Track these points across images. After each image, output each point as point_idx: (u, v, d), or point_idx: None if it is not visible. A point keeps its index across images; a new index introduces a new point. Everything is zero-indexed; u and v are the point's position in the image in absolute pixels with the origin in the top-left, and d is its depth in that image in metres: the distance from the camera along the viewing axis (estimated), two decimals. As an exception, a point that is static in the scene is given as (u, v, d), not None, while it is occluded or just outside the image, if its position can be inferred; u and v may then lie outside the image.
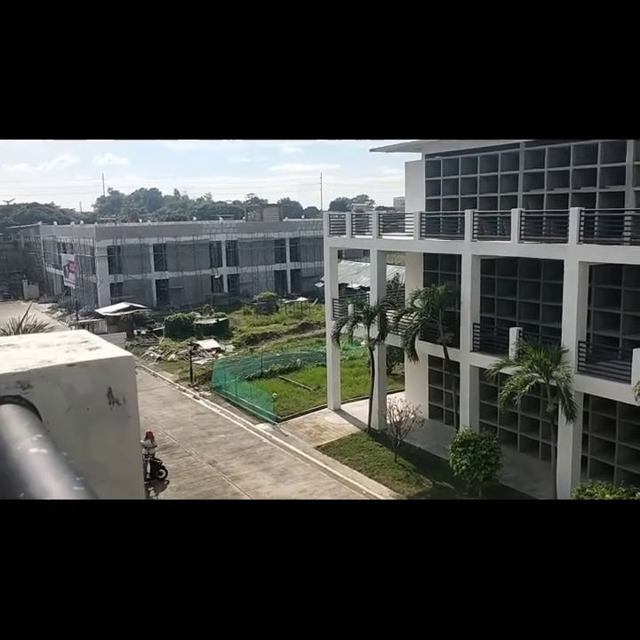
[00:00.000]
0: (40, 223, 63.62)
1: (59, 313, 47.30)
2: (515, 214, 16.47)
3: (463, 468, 15.60)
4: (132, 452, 1.25)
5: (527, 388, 14.72)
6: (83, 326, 35.87)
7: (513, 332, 16.81)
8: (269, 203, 70.61)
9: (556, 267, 16.10)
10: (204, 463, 19.58)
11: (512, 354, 16.32)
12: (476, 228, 17.83)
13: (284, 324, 38.19)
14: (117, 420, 1.23)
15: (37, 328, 14.33)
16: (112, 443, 1.22)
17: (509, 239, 16.66)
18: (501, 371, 16.11)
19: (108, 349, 1.31)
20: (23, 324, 13.77)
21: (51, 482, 0.76)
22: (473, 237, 17.76)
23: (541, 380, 14.92)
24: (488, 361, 16.93)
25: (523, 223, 16.47)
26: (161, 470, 18.55)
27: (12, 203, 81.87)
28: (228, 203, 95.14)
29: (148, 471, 18.20)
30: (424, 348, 19.65)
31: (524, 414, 18.51)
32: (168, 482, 18.36)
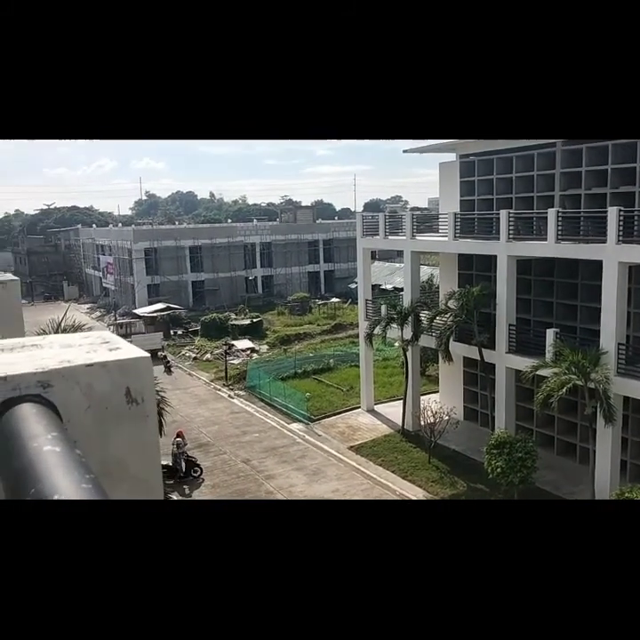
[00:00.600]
0: (79, 226, 65.10)
1: (97, 313, 48.31)
2: (551, 214, 16.17)
3: (498, 470, 15.38)
4: (150, 450, 1.27)
5: (564, 390, 14.43)
6: (120, 327, 36.56)
7: (550, 334, 16.50)
8: (303, 204, 70.87)
9: (595, 267, 15.74)
10: (239, 461, 19.75)
11: (549, 355, 16.02)
12: (511, 228, 17.57)
13: (318, 325, 38.25)
14: (135, 420, 1.25)
15: (76, 328, 14.68)
16: (130, 441, 1.24)
17: (546, 239, 16.36)
18: (538, 373, 15.83)
19: (127, 350, 1.34)
20: (62, 325, 14.12)
21: (60, 479, 0.78)
22: (508, 238, 17.49)
23: (579, 383, 14.60)
24: (524, 363, 16.66)
25: (560, 223, 16.15)
26: (196, 468, 18.71)
27: (52, 206, 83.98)
28: (263, 205, 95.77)
29: (183, 469, 18.42)
30: (459, 349, 19.44)
31: (561, 417, 18.15)
32: (203, 480, 18.56)
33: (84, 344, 1.36)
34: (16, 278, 3.19)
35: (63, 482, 0.77)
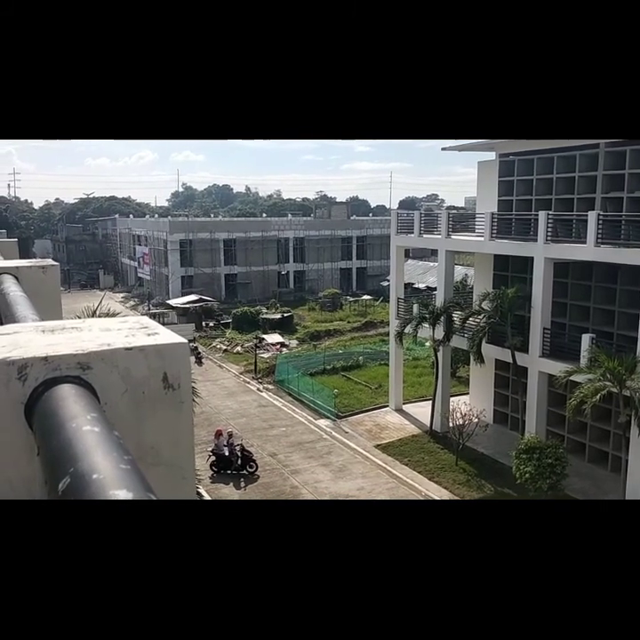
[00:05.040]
0: (117, 216, 66.17)
1: (131, 302, 49.09)
2: (592, 217, 15.82)
3: (527, 475, 15.15)
4: (185, 436, 1.27)
5: (598, 397, 14.13)
6: (153, 317, 37.09)
7: (585, 339, 16.17)
8: (338, 200, 70.77)
9: (635, 272, 15.35)
10: (265, 455, 19.86)
11: (583, 361, 15.70)
12: (550, 230, 17.24)
13: (348, 322, 38.19)
14: (171, 405, 1.25)
15: (111, 317, 14.90)
16: (165, 427, 1.25)
17: (585, 243, 16.02)
18: (571, 378, 15.54)
19: (165, 335, 1.34)
20: (97, 312, 14.37)
21: (99, 458, 0.78)
22: (546, 240, 17.18)
23: (614, 390, 14.28)
24: (558, 367, 16.35)
25: (600, 226, 15.79)
26: (252, 463, 18.26)
27: (91, 196, 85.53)
28: (298, 200, 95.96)
29: (239, 463, 18.09)
30: (491, 351, 19.19)
31: (593, 424, 17.79)
32: (258, 476, 18.16)
33: (122, 328, 1.37)
34: (56, 263, 3.24)
35: (102, 462, 0.77)
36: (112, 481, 0.72)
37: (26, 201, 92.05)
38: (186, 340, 1.28)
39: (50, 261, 3.29)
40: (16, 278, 3.00)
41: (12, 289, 2.50)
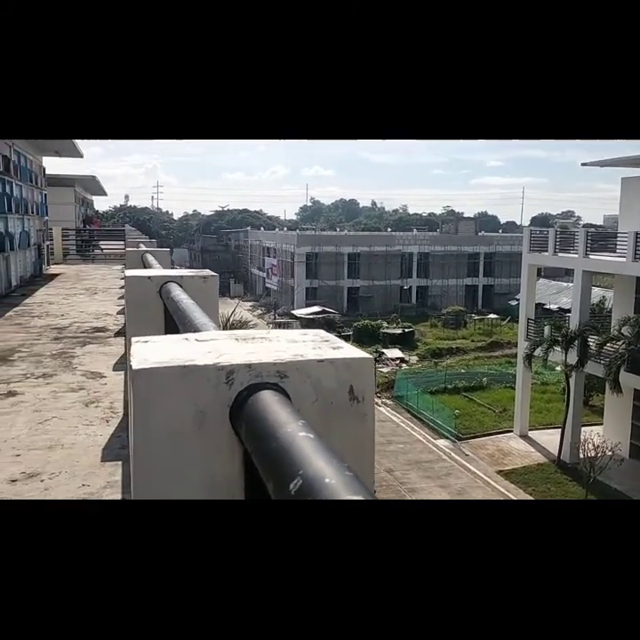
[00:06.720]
0: (249, 228, 69.25)
1: (258, 311, 51.02)
2: None
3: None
4: (367, 448, 1.31)
5: None
6: (278, 326, 38.31)
7: None
8: (465, 216, 69.30)
9: None
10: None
11: None
12: None
13: (472, 341, 37.16)
14: (356, 417, 1.30)
15: (242, 324, 15.63)
16: (349, 438, 1.29)
17: None
18: None
19: (348, 349, 1.39)
20: (231, 319, 15.11)
21: (325, 464, 0.83)
22: (700, 262, 15.75)
23: None
24: None
25: None
26: None
27: (226, 208, 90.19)
28: (424, 215, 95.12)
29: None
30: (630, 380, 17.82)
31: None
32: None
33: (307, 341, 1.44)
34: (215, 274, 3.46)
35: (328, 467, 0.82)
36: (344, 485, 0.77)
37: (167, 212, 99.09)
38: (371, 357, 1.33)
39: (210, 272, 3.53)
40: (180, 286, 3.25)
41: (183, 297, 2.71)
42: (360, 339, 36.91)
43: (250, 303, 55.95)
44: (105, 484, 3.33)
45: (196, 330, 1.97)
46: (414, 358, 34.00)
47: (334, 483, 0.78)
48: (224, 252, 71.80)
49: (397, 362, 32.74)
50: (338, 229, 70.66)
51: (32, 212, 15.67)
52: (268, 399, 1.14)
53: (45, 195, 18.37)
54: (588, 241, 20.03)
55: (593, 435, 18.59)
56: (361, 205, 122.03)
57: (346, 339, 38.06)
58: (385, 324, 39.26)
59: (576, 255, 20.06)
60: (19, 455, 3.73)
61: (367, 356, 1.33)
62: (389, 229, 65.80)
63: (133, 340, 1.38)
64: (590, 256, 19.82)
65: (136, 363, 1.17)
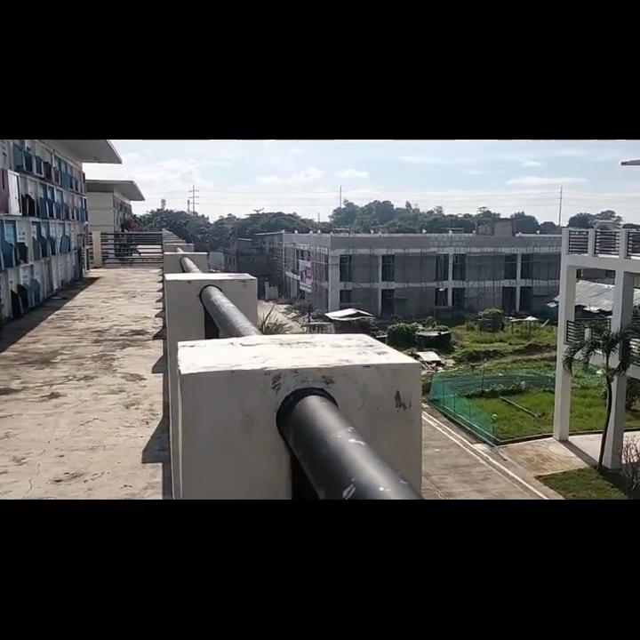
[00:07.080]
0: (283, 231, 69.64)
1: (293, 314, 51.24)
2: None
3: None
4: (414, 455, 1.29)
5: None
6: (313, 328, 38.39)
7: None
8: (502, 217, 68.36)
9: None
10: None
11: None
12: None
13: (509, 344, 36.60)
14: (403, 423, 1.28)
15: (277, 326, 15.72)
16: (396, 445, 1.28)
17: None
18: None
19: (393, 355, 1.38)
20: (266, 322, 15.22)
21: (377, 473, 0.81)
22: None
23: None
24: None
25: None
26: None
27: (261, 212, 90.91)
28: (459, 216, 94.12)
29: None
30: (674, 384, 17.33)
31: None
32: None
33: (351, 345, 1.43)
34: (254, 278, 3.48)
35: (381, 476, 0.81)
36: (397, 494, 0.75)
37: (202, 216, 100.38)
38: (418, 362, 1.31)
39: (248, 276, 3.55)
40: (220, 290, 3.28)
41: (223, 301, 2.72)
42: (395, 341, 36.68)
43: (284, 306, 56.21)
44: (146, 485, 3.38)
45: (237, 334, 1.98)
46: (451, 361, 33.67)
47: (389, 492, 0.77)
48: (259, 255, 72.33)
49: (433, 365, 32.46)
50: (372, 232, 70.49)
51: (72, 217, 16.05)
52: (316, 404, 1.13)
53: (85, 200, 18.80)
54: (630, 241, 19.54)
55: (636, 440, 18.12)
56: (395, 207, 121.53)
57: (381, 341, 37.46)
58: (420, 327, 38.97)
59: (617, 256, 19.60)
60: (62, 456, 3.82)
61: (414, 361, 1.31)
62: (424, 231, 65.31)
63: (179, 344, 1.39)
64: (632, 257, 19.33)
65: (184, 367, 1.17)
